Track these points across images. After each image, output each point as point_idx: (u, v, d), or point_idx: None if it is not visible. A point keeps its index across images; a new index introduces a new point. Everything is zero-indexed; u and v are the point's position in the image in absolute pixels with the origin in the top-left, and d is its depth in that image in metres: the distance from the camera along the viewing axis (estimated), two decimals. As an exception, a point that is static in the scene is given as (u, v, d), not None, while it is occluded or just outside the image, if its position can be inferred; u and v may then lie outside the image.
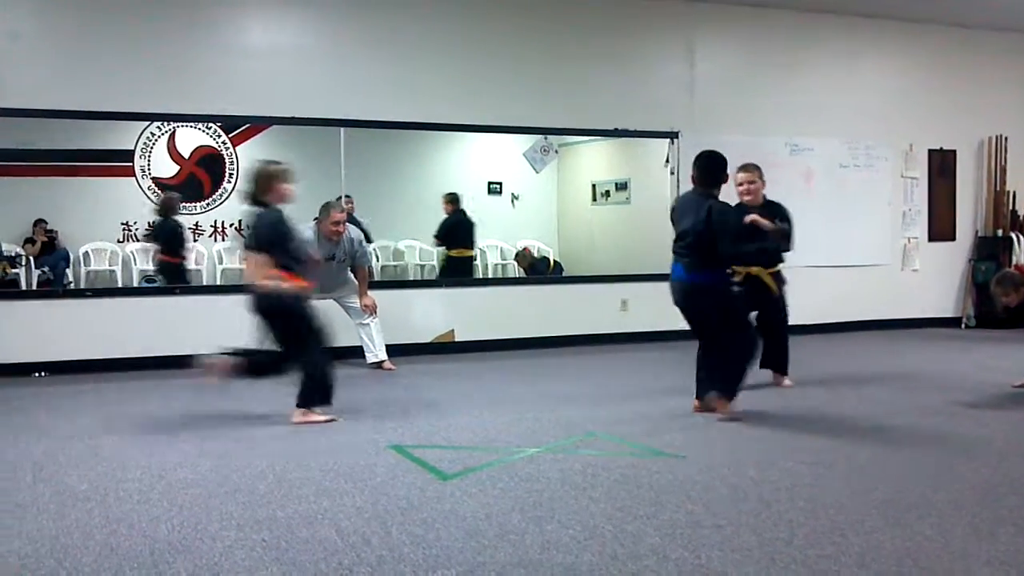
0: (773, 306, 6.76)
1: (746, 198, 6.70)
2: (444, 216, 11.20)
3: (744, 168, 6.77)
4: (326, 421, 5.63)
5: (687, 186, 9.56)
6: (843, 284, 10.42)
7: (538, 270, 11.74)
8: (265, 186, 5.60)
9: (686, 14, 9.82)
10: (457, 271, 10.90)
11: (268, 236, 5.48)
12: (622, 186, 12.41)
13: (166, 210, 10.01)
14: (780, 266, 6.82)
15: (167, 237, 9.78)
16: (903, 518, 3.75)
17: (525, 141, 10.66)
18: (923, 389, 6.93)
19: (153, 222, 10.31)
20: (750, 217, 6.35)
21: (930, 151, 11.05)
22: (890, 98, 10.77)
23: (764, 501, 3.98)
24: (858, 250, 10.58)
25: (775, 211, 6.59)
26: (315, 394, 5.65)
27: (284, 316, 5.52)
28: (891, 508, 3.88)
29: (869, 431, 5.45)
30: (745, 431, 5.39)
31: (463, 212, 11.18)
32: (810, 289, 10.25)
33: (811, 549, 3.40)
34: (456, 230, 10.99)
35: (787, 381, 6.94)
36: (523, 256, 12.06)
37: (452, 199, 11.26)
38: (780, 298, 6.82)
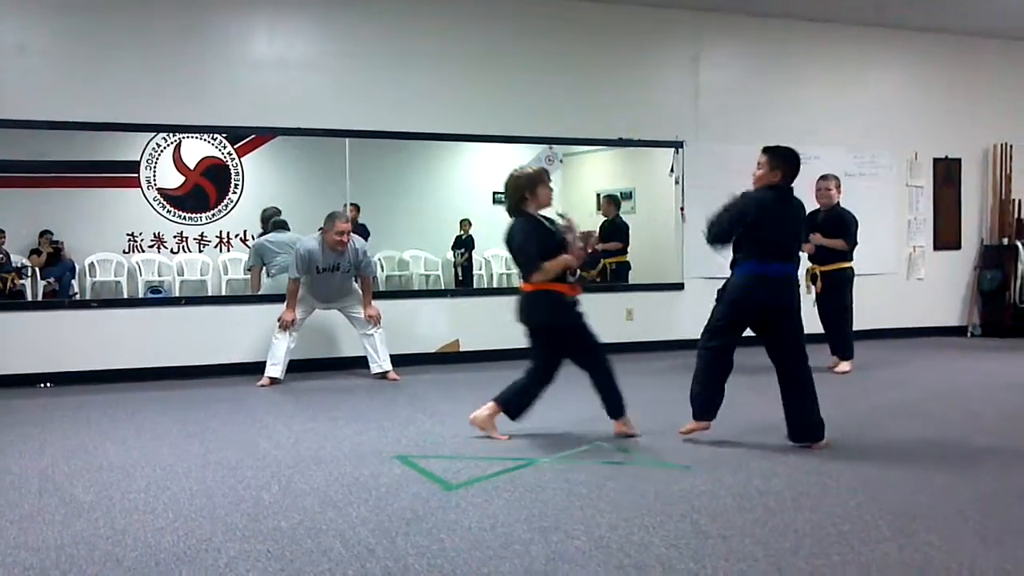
0: (826, 298, 8.08)
1: (821, 202, 7.97)
2: (604, 220, 11.08)
3: (823, 178, 8.07)
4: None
5: (692, 195, 9.71)
6: (848, 293, 10.38)
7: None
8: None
9: (691, 24, 9.83)
10: (617, 277, 10.83)
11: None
12: (627, 195, 12.42)
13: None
14: (841, 265, 8.04)
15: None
16: (909, 528, 3.74)
17: (530, 151, 10.65)
18: (929, 398, 6.91)
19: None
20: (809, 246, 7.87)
21: (935, 160, 11.04)
22: (895, 107, 10.77)
23: (769, 511, 3.97)
24: (863, 259, 10.50)
25: (837, 217, 7.96)
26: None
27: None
28: (897, 518, 3.87)
29: (875, 441, 5.44)
30: (749, 442, 5.37)
31: (620, 216, 11.09)
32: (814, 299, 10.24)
33: (817, 559, 3.39)
34: (615, 234, 10.87)
35: (844, 366, 8.10)
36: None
37: (612, 200, 11.19)
38: (830, 291, 8.03)
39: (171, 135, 11.27)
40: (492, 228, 13.25)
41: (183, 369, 8.03)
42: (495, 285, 12.84)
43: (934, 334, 10.90)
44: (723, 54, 10.10)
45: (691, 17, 9.82)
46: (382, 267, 11.90)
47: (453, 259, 12.89)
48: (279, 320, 7.59)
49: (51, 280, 10.99)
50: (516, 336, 9.06)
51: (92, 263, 11.29)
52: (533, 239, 5.27)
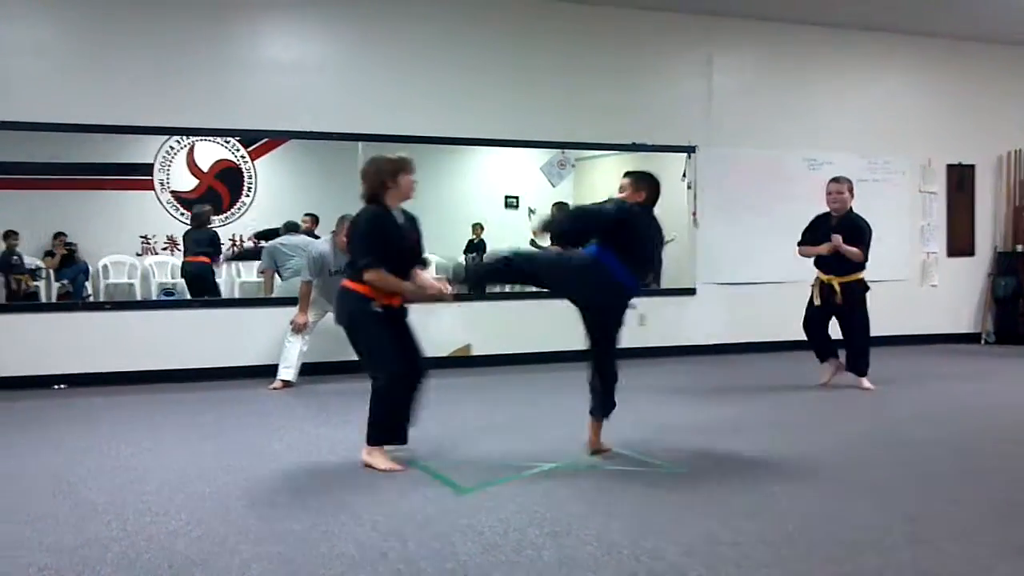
0: (848, 312, 7.48)
1: (833, 206, 7.45)
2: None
3: (835, 180, 7.51)
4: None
5: (705, 200, 9.70)
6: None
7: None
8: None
9: (704, 28, 9.83)
10: None
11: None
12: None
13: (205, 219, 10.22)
14: (859, 275, 7.48)
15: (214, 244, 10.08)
16: (925, 535, 3.73)
17: (542, 155, 10.66)
18: (943, 405, 6.89)
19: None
20: (832, 244, 7.28)
21: (948, 166, 11.01)
22: (908, 113, 10.74)
23: (782, 517, 3.96)
24: (876, 265, 10.45)
25: (852, 224, 7.37)
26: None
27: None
28: (912, 524, 3.86)
29: (889, 446, 5.42)
30: (761, 448, 5.36)
31: None
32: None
33: (830, 566, 3.38)
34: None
35: (866, 383, 7.45)
36: None
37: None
38: (852, 305, 7.46)
39: (185, 138, 11.32)
40: (505, 232, 13.29)
41: (196, 371, 8.06)
42: (507, 290, 12.84)
43: (947, 341, 10.86)
44: (735, 59, 10.09)
45: (703, 22, 9.82)
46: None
47: (465, 263, 12.90)
48: (292, 323, 7.61)
49: (65, 282, 11.05)
50: (528, 340, 9.11)
51: (106, 265, 11.34)
52: (380, 236, 4.85)
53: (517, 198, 13.63)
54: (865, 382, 7.42)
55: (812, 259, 7.57)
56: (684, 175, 9.88)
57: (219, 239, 10.29)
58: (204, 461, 5.07)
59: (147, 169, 11.60)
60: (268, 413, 6.54)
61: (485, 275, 5.77)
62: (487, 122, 9.08)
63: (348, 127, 8.57)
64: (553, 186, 10.93)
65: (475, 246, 12.84)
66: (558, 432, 5.78)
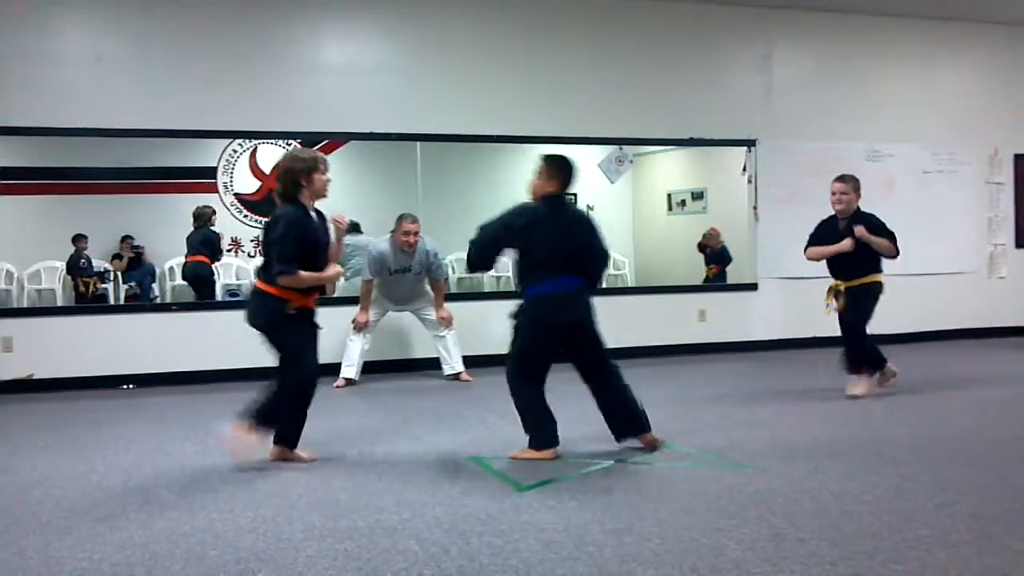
0: (848, 310, 6.91)
1: (838, 207, 6.87)
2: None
3: (839, 179, 6.90)
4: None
5: (765, 194, 9.60)
6: (928, 293, 10.19)
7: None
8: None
9: (763, 20, 9.73)
10: None
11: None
12: (698, 195, 12.34)
13: (203, 221, 10.46)
14: (870, 278, 6.90)
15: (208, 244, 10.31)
16: (990, 532, 3.66)
17: (600, 152, 10.64)
18: (1011, 400, 6.75)
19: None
20: (860, 229, 6.69)
21: (1016, 155, 10.77)
22: (973, 102, 10.53)
23: (847, 514, 3.92)
24: (943, 258, 10.34)
25: (864, 222, 6.77)
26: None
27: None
28: (978, 522, 3.79)
29: (955, 444, 5.32)
30: (826, 444, 5.30)
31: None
32: (894, 299, 10.04)
33: (895, 564, 3.34)
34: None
35: (858, 387, 6.85)
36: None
37: None
38: (855, 307, 6.89)
39: (247, 141, 11.48)
40: (562, 229, 13.28)
41: (261, 371, 8.11)
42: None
43: (1017, 334, 10.62)
44: (795, 50, 9.97)
45: (761, 14, 9.72)
46: (453, 269, 11.96)
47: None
48: (353, 322, 7.69)
49: (132, 284, 11.27)
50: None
51: (172, 267, 11.54)
52: (300, 240, 4.78)
53: (575, 195, 13.58)
54: (858, 386, 6.82)
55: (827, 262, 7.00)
56: (744, 169, 9.80)
57: (219, 240, 10.67)
58: (269, 458, 5.14)
59: (211, 172, 11.78)
60: (331, 411, 6.62)
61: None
62: (545, 120, 9.08)
63: (406, 127, 8.64)
64: (611, 183, 10.92)
65: (534, 244, 12.84)
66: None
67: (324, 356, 8.06)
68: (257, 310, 4.97)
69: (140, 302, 10.76)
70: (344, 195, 11.65)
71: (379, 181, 11.24)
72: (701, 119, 9.55)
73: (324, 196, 5.00)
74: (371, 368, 7.93)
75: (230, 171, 11.86)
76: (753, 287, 9.74)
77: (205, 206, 10.64)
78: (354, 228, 8.84)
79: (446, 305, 7.90)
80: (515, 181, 13.27)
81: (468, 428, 5.91)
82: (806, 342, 9.65)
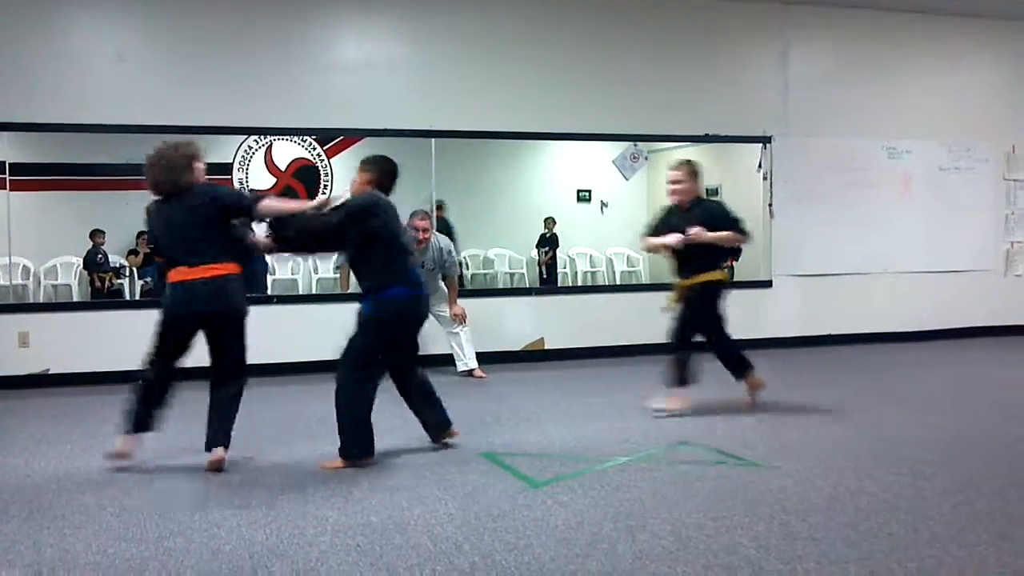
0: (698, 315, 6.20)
1: (672, 198, 6.26)
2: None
3: (673, 166, 6.31)
4: None
5: (781, 191, 9.56)
6: (944, 290, 10.13)
7: None
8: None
9: (780, 16, 9.67)
10: None
11: None
12: (713, 192, 12.28)
13: None
14: (709, 276, 6.13)
15: None
16: (1007, 531, 3.64)
17: (614, 148, 10.62)
18: (1029, 399, 6.71)
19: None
20: (695, 230, 5.96)
21: (1034, 153, 10.70)
22: (990, 99, 10.45)
23: (862, 512, 3.90)
24: (959, 255, 10.27)
25: (703, 211, 6.11)
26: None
27: None
28: (994, 520, 3.77)
29: (972, 443, 5.29)
30: (840, 442, 5.28)
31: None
32: (911, 296, 10.03)
33: (911, 562, 3.33)
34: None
35: (753, 385, 6.34)
36: None
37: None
38: (701, 307, 6.19)
39: (262, 137, 11.50)
40: (576, 226, 13.26)
41: (274, 366, 8.19)
42: (580, 283, 12.83)
43: (1034, 332, 10.56)
44: (812, 47, 9.91)
45: (778, 10, 9.66)
46: (467, 266, 11.97)
47: (537, 257, 12.90)
48: None
49: (148, 279, 11.31)
50: (601, 334, 9.09)
51: (187, 263, 11.58)
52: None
53: (589, 191, 13.58)
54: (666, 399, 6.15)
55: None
56: (760, 165, 9.75)
57: None
58: (283, 454, 5.16)
59: (227, 168, 11.80)
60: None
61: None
62: (559, 116, 9.06)
63: (421, 123, 8.63)
64: (626, 179, 10.91)
65: (547, 240, 12.84)
66: (631, 426, 5.76)
67: (337, 353, 8.13)
68: (235, 296, 4.88)
69: (156, 297, 10.80)
70: (359, 191, 11.66)
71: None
72: (717, 115, 9.50)
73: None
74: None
75: (246, 167, 11.89)
76: (768, 284, 9.69)
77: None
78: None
79: (459, 301, 7.90)
80: (530, 177, 13.36)
81: (481, 425, 5.90)
82: (821, 339, 9.61)
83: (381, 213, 5.00)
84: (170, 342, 4.89)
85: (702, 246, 5.98)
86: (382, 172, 5.21)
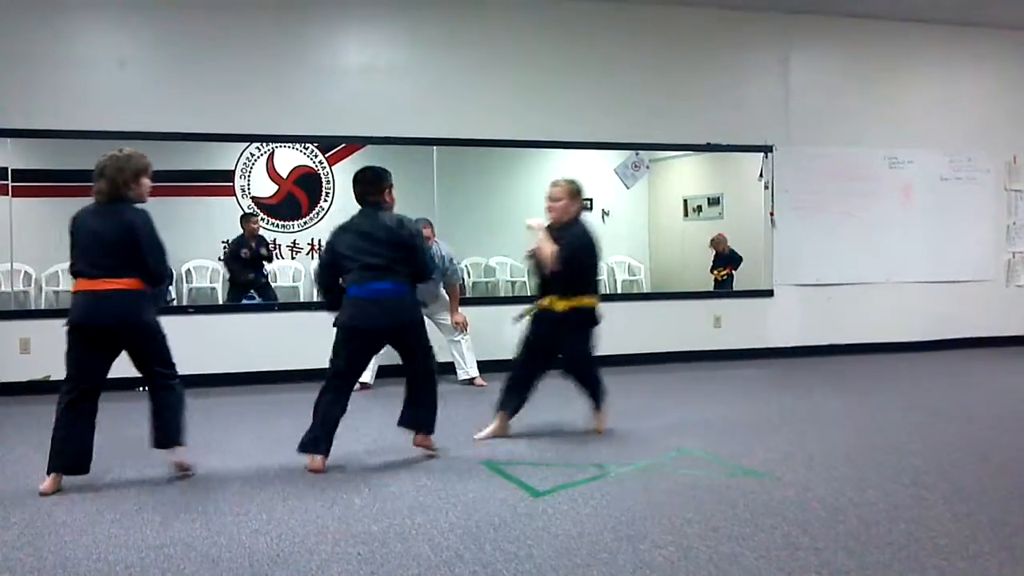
0: (567, 343, 5.84)
1: (549, 215, 5.85)
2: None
3: (553, 183, 5.95)
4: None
5: (782, 200, 9.57)
6: (946, 301, 10.13)
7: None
8: None
9: (781, 26, 9.69)
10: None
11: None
12: (715, 201, 12.30)
13: None
14: (581, 300, 5.72)
15: None
16: (1010, 542, 3.63)
17: (616, 157, 10.62)
18: (1031, 409, 6.70)
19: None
20: (540, 236, 5.69)
21: (1036, 163, 10.70)
22: (992, 109, 10.46)
23: (863, 523, 3.90)
24: (961, 265, 10.27)
25: (567, 233, 5.68)
26: None
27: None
28: (997, 532, 3.76)
29: (972, 453, 5.28)
30: (842, 452, 5.27)
31: None
32: (912, 306, 10.03)
33: (913, 573, 3.32)
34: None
35: (599, 424, 5.93)
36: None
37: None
38: (575, 334, 5.81)
39: (264, 145, 11.52)
40: (578, 234, 13.26)
41: (276, 374, 8.20)
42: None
43: (1036, 343, 10.55)
44: (813, 56, 9.93)
45: (779, 19, 9.67)
46: (468, 274, 11.98)
47: (539, 265, 12.91)
48: None
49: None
50: (602, 343, 9.03)
51: (188, 270, 11.58)
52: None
53: (591, 200, 13.58)
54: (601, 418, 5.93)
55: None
56: (761, 175, 9.76)
57: None
58: (282, 462, 5.15)
59: (228, 176, 11.82)
60: (345, 415, 6.61)
61: None
62: (560, 124, 9.07)
63: (423, 131, 8.64)
64: (627, 188, 10.90)
65: (549, 249, 12.84)
66: (633, 435, 5.76)
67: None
68: (131, 308, 4.83)
69: (156, 304, 10.79)
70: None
71: (396, 185, 11.24)
72: (718, 124, 9.51)
73: (145, 201, 5.02)
74: (387, 372, 7.92)
75: (247, 175, 11.90)
76: (769, 293, 9.69)
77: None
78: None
79: (461, 309, 7.90)
80: (531, 185, 13.31)
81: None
82: (822, 349, 9.61)
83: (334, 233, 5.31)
84: (79, 353, 4.77)
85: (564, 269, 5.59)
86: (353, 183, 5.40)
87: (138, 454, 5.37)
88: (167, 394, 4.95)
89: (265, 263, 10.63)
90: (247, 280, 10.40)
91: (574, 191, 5.85)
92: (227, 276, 10.89)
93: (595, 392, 5.96)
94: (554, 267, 5.55)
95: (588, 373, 5.95)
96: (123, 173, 4.79)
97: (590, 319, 5.80)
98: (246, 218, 10.77)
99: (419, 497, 4.38)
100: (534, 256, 5.74)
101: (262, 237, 10.78)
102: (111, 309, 4.73)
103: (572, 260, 5.59)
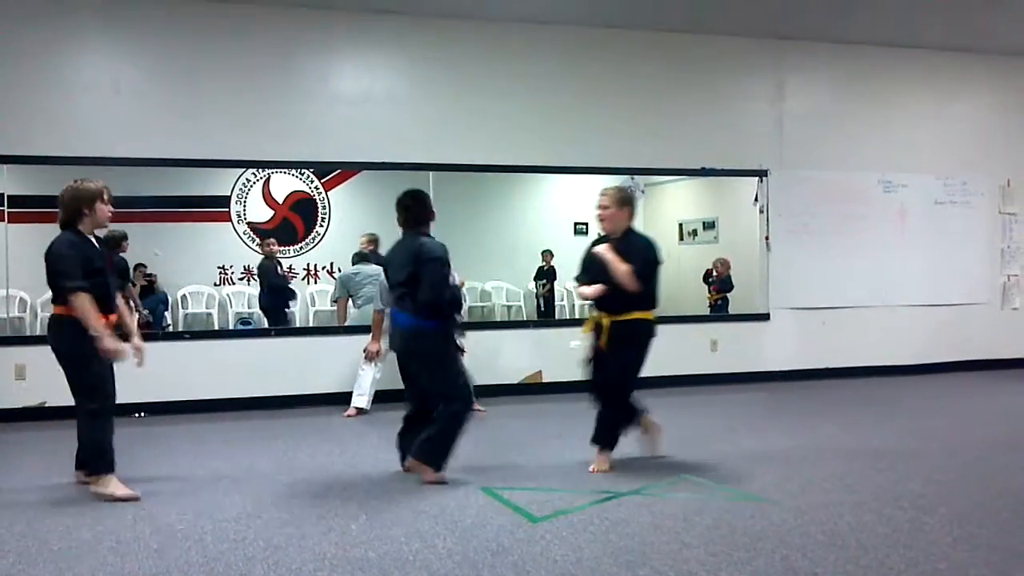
0: (611, 361, 5.54)
1: (600, 224, 5.72)
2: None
3: (602, 192, 5.67)
4: None
5: (778, 224, 9.60)
6: (941, 324, 10.16)
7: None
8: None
9: (775, 51, 9.75)
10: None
11: None
12: (710, 225, 12.35)
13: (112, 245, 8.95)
14: (636, 314, 5.46)
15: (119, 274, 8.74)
16: (1009, 567, 3.62)
17: (611, 181, 10.63)
18: (1028, 432, 6.70)
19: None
20: (602, 247, 5.55)
21: (1029, 186, 10.75)
22: (985, 132, 10.52)
23: (862, 547, 3.89)
24: (956, 289, 10.30)
25: (626, 246, 5.50)
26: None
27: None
28: (996, 555, 3.76)
29: (970, 477, 5.28)
30: (839, 476, 5.26)
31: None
32: (907, 328, 10.05)
33: (913, 598, 3.31)
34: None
35: (597, 464, 5.54)
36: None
37: None
38: (623, 353, 5.51)
39: (260, 170, 11.55)
40: (574, 259, 13.25)
41: (272, 399, 8.17)
42: (577, 316, 12.83)
43: (1031, 365, 10.56)
44: (807, 81, 9.99)
45: (773, 45, 9.74)
46: (464, 298, 11.98)
47: (535, 290, 12.93)
48: (365, 351, 7.68)
49: (145, 312, 11.30)
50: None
51: (184, 295, 11.59)
52: (81, 260, 4.89)
53: (586, 224, 13.61)
54: (601, 461, 5.55)
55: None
56: (756, 199, 9.79)
57: (127, 269, 9.50)
58: (279, 488, 5.13)
59: (224, 201, 11.84)
60: (342, 440, 6.61)
61: None
62: (556, 149, 9.10)
63: (418, 157, 8.66)
64: (622, 212, 10.91)
65: (545, 273, 12.86)
66: (631, 459, 5.74)
67: (335, 386, 8.18)
68: (62, 335, 4.95)
69: (153, 330, 10.78)
70: (356, 225, 11.72)
71: (391, 211, 11.26)
72: (713, 149, 9.55)
73: (105, 225, 5.27)
74: (383, 397, 7.92)
75: (243, 200, 11.92)
76: (765, 317, 9.70)
77: (115, 231, 9.12)
78: (363, 258, 8.85)
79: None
80: (526, 210, 13.39)
81: (479, 459, 5.88)
82: (819, 373, 9.62)
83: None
84: None
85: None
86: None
87: (136, 479, 5.36)
88: (80, 420, 5.15)
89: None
90: (278, 304, 10.61)
91: (622, 199, 5.62)
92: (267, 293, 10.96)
93: (615, 425, 5.61)
94: (634, 287, 5.32)
95: (620, 400, 5.61)
96: (76, 202, 5.04)
97: (647, 332, 5.54)
98: (263, 241, 11.00)
99: (416, 523, 4.36)
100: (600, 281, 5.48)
101: (278, 261, 10.90)
102: (49, 334, 5.06)
103: (649, 276, 5.44)
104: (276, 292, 10.66)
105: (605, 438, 5.58)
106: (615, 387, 5.56)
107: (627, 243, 5.50)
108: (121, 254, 9.23)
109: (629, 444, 6.14)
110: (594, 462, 5.54)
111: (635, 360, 5.50)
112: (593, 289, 5.49)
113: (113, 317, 5.10)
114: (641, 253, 5.44)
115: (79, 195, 5.05)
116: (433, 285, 5.16)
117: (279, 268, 10.67)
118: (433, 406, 5.28)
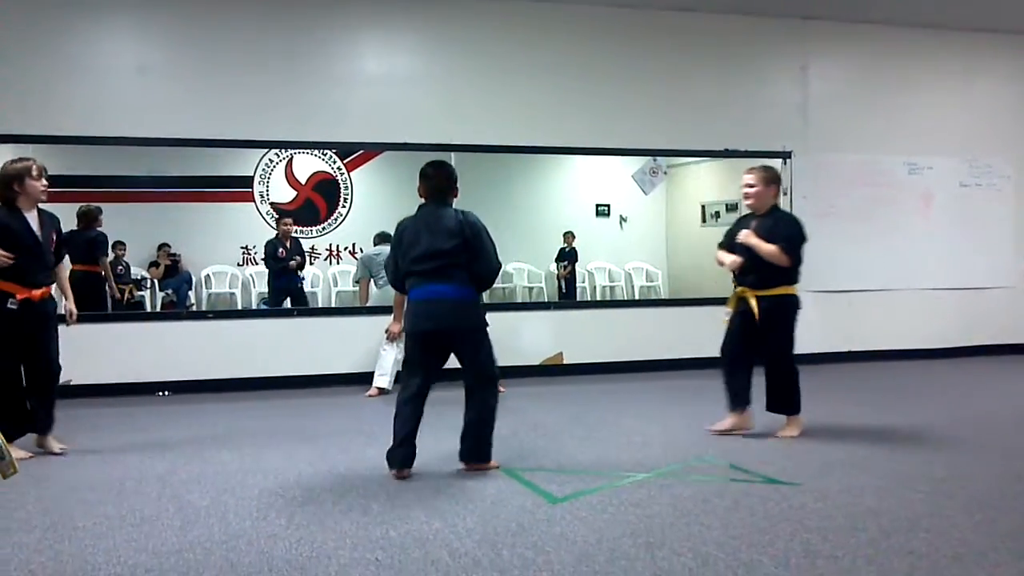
0: (770, 336, 5.84)
1: (746, 202, 5.99)
2: None
3: (750, 169, 6.00)
4: None
5: (800, 206, 9.54)
6: (967, 307, 10.09)
7: None
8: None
9: (799, 32, 9.67)
10: None
11: None
12: (733, 207, 12.28)
13: (87, 221, 9.23)
14: (782, 289, 5.78)
15: (85, 247, 9.04)
16: (1031, 552, 3.61)
17: (634, 163, 10.63)
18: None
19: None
20: (743, 234, 5.81)
21: (1056, 168, 10.63)
22: (1012, 114, 10.40)
23: (883, 531, 3.87)
24: (981, 272, 10.22)
25: (772, 222, 5.81)
26: None
27: None
28: (1017, 540, 3.74)
29: (992, 461, 5.25)
30: (860, 459, 5.24)
31: None
32: (933, 312, 9.98)
33: (933, 582, 3.30)
34: None
35: (786, 431, 5.88)
36: None
37: None
38: (778, 327, 5.82)
39: (283, 151, 11.59)
40: (595, 240, 13.27)
41: (294, 379, 8.23)
42: (599, 297, 12.83)
43: (1056, 350, 10.48)
44: (831, 63, 9.90)
45: (798, 26, 9.66)
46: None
47: (556, 271, 12.93)
48: (386, 331, 7.72)
49: (169, 291, 11.39)
50: (621, 348, 9.05)
51: (208, 275, 11.67)
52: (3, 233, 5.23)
53: (608, 206, 13.61)
54: (792, 428, 5.89)
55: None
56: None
57: (106, 243, 9.36)
58: (301, 467, 5.17)
59: (247, 182, 11.90)
60: (364, 419, 6.64)
61: None
62: (578, 130, 9.08)
63: (441, 138, 8.66)
64: (645, 194, 10.91)
65: (566, 254, 12.85)
66: (651, 441, 5.74)
67: (356, 366, 8.21)
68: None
69: (176, 310, 10.86)
70: (378, 205, 11.77)
71: (413, 192, 11.28)
72: (736, 131, 9.50)
73: (41, 200, 5.47)
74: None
75: (266, 180, 11.96)
76: (788, 300, 9.65)
77: (91, 206, 9.31)
78: (385, 239, 8.86)
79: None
80: (548, 191, 13.37)
81: (500, 439, 5.88)
82: (842, 356, 9.58)
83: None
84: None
85: (759, 258, 5.73)
86: (429, 181, 5.39)
87: (162, 458, 5.41)
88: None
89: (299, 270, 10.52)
90: (285, 285, 10.37)
91: (770, 177, 5.91)
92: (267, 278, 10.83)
93: (791, 393, 5.89)
94: (785, 263, 5.67)
95: (790, 367, 5.90)
96: (6, 179, 5.33)
97: (795, 305, 5.85)
98: (280, 219, 10.77)
99: (436, 502, 4.38)
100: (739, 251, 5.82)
101: (297, 241, 10.73)
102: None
103: (796, 252, 5.72)
104: (277, 274, 10.43)
105: (791, 405, 5.88)
106: (782, 357, 5.88)
107: (774, 219, 5.82)
108: (98, 228, 9.24)
109: (650, 426, 6.14)
110: (782, 429, 5.87)
111: (791, 331, 5.85)
112: (731, 259, 5.85)
113: (39, 291, 5.34)
114: (787, 228, 5.76)
115: (6, 174, 5.31)
116: (495, 254, 5.06)
117: (282, 250, 10.37)
118: (467, 382, 5.11)
